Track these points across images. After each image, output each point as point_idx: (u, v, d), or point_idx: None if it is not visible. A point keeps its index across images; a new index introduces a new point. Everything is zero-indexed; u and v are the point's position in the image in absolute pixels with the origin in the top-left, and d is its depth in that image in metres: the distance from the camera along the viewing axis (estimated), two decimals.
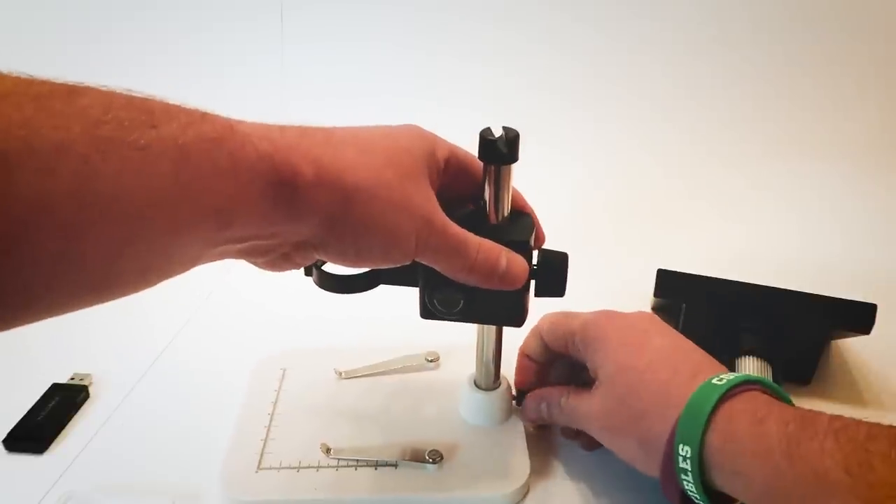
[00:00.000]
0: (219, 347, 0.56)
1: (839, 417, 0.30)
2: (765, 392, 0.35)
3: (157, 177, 0.25)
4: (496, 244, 0.36)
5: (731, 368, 0.48)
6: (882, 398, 0.51)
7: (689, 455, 0.33)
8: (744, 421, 0.32)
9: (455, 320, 0.39)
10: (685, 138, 0.84)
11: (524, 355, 0.46)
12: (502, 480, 0.41)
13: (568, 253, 0.39)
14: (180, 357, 0.55)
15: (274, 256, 0.34)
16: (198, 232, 0.27)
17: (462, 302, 0.37)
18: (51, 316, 0.25)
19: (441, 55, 0.87)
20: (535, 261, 0.38)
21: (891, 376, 0.53)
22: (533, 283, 0.38)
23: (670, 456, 0.34)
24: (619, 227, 0.77)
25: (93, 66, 0.87)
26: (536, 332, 0.45)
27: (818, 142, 0.83)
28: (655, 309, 0.61)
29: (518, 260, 0.36)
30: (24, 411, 0.48)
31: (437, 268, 0.35)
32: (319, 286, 0.40)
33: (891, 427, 0.29)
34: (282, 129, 0.30)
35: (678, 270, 0.52)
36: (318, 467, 0.42)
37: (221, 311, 0.62)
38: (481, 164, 0.36)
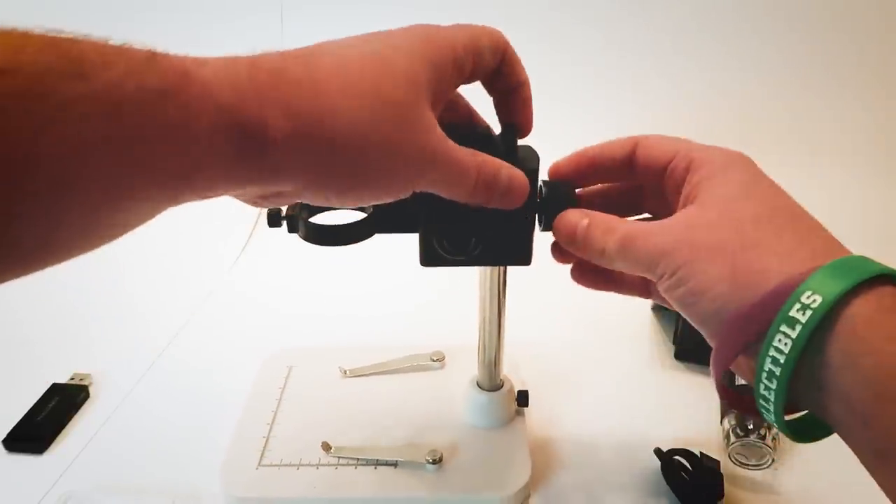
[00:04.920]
0: (219, 347, 0.56)
1: None
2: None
3: (85, 142, 0.20)
4: (495, 159, 0.32)
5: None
6: None
7: (814, 305, 0.24)
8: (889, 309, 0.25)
9: (459, 264, 0.36)
10: (685, 137, 0.84)
11: (591, 154, 0.37)
12: (502, 483, 0.41)
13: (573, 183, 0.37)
14: (180, 357, 0.55)
15: (253, 198, 0.30)
16: (145, 199, 0.23)
17: (472, 239, 0.35)
18: None
19: None
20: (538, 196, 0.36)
21: None
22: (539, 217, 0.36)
23: (768, 302, 0.26)
24: None
25: None
26: (632, 140, 0.36)
27: (818, 141, 0.83)
28: (655, 309, 0.61)
29: (518, 174, 0.33)
30: (24, 411, 0.47)
31: (434, 192, 0.31)
32: (306, 240, 0.36)
33: None
34: (252, 66, 0.25)
35: None
36: (318, 465, 0.42)
37: (221, 311, 0.62)
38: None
